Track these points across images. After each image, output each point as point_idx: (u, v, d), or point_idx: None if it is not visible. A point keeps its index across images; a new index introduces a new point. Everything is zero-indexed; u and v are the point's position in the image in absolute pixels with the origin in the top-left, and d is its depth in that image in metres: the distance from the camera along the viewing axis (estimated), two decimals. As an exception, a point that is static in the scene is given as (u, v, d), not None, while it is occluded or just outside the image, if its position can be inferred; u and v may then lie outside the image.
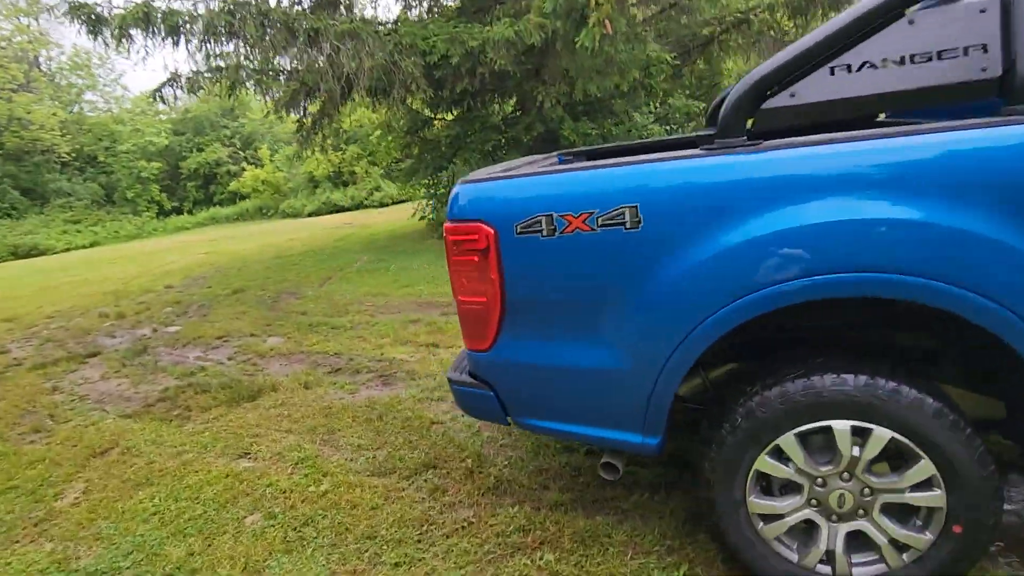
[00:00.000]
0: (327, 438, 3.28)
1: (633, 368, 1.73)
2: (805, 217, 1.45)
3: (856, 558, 1.71)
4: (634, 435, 1.81)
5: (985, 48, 1.46)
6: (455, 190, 1.91)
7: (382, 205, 22.19)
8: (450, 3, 9.52)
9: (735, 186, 1.55)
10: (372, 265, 8.79)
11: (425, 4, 10.00)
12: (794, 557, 1.75)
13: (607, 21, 5.45)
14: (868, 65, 1.53)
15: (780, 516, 1.74)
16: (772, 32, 8.68)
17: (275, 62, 8.35)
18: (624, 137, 8.87)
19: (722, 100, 2.98)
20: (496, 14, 8.35)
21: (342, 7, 9.49)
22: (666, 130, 9.60)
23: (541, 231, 1.74)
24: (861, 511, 1.68)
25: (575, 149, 3.24)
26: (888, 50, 1.51)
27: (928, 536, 1.62)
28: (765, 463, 1.70)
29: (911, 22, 1.50)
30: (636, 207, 1.64)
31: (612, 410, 1.82)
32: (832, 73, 1.56)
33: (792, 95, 1.58)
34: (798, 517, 1.72)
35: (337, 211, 22.49)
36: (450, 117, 10.34)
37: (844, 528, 1.70)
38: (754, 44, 8.70)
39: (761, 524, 1.76)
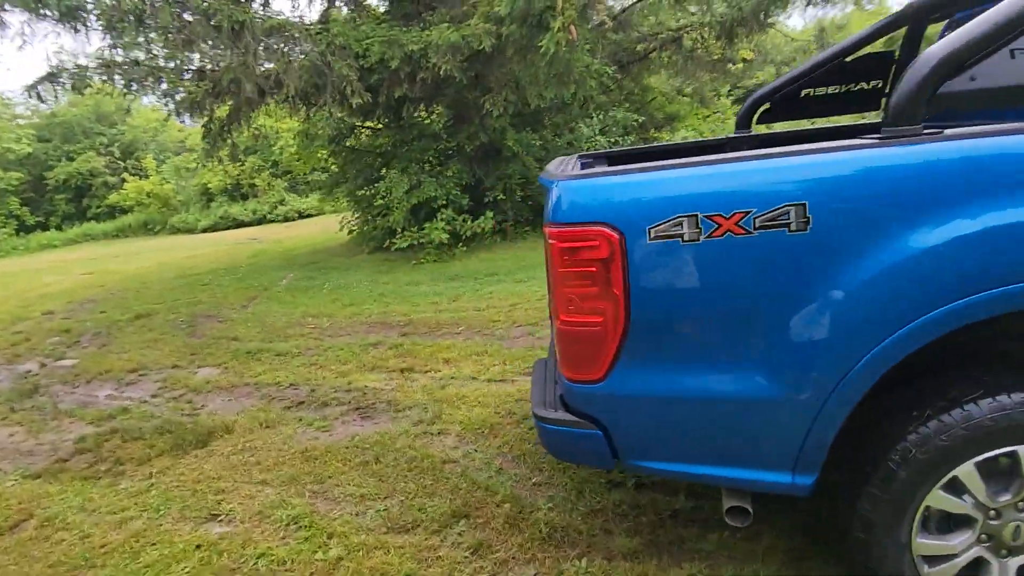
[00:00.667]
0: (317, 489, 2.75)
1: (791, 396, 1.47)
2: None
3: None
4: (782, 475, 1.54)
5: None
6: (558, 188, 1.57)
7: (287, 219, 20.87)
8: (377, 5, 9.03)
9: (936, 178, 1.33)
10: (301, 283, 8.04)
11: (347, 7, 9.44)
12: (957, 602, 1.55)
13: (572, 27, 5.28)
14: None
15: (950, 557, 1.53)
16: (701, 51, 8.99)
17: (184, 58, 7.47)
18: (567, 149, 8.80)
19: (752, 104, 2.84)
20: (431, 19, 8.00)
21: (256, 2, 8.73)
22: (610, 142, 9.65)
23: (682, 235, 1.44)
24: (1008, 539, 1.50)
25: (593, 152, 2.97)
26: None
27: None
28: (939, 498, 1.48)
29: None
30: (804, 205, 1.38)
31: (758, 447, 1.55)
32: (1013, 56, 1.39)
33: (972, 79, 1.40)
34: (970, 556, 1.53)
35: (236, 226, 20.87)
36: (378, 125, 9.79)
37: (1016, 563, 1.52)
38: (686, 62, 8.97)
39: (926, 567, 1.54)
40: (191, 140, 23.58)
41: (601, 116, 9.50)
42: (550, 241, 1.56)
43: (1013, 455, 1.44)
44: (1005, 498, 1.48)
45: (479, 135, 8.17)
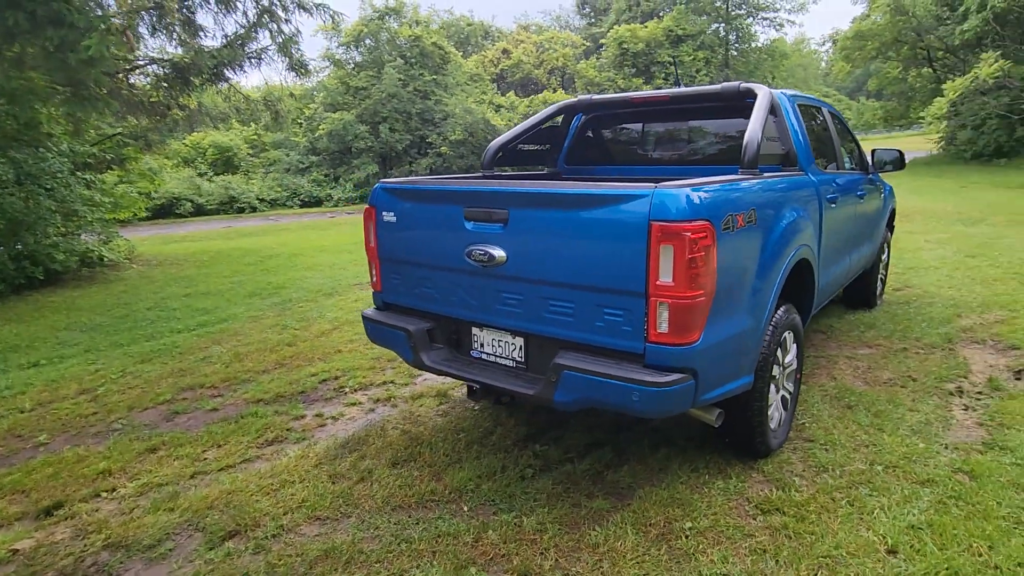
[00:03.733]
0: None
1: (759, 324, 2.44)
2: (796, 214, 2.71)
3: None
4: (749, 377, 2.48)
5: (779, 139, 3.08)
6: (673, 193, 2.02)
7: None
8: None
9: (775, 194, 2.60)
10: None
11: None
12: (772, 425, 2.87)
13: (128, 32, 4.15)
14: (767, 139, 2.88)
15: (771, 403, 2.82)
16: (149, 92, 8.13)
17: None
18: (40, 175, 6.07)
19: (495, 151, 3.59)
20: None
21: None
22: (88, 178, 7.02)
23: (731, 227, 2.20)
24: (782, 383, 2.98)
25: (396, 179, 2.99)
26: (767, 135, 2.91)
27: (792, 385, 3.10)
28: (776, 369, 2.76)
29: (776, 118, 2.96)
30: (755, 210, 2.39)
31: (746, 361, 2.42)
32: (761, 139, 2.81)
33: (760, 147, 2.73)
34: (776, 398, 2.87)
35: None
36: None
37: (779, 396, 2.96)
38: (140, 101, 7.90)
39: (770, 412, 2.79)
40: None
41: (61, 145, 7.04)
42: (680, 233, 1.98)
43: (784, 338, 2.85)
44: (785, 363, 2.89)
45: None
